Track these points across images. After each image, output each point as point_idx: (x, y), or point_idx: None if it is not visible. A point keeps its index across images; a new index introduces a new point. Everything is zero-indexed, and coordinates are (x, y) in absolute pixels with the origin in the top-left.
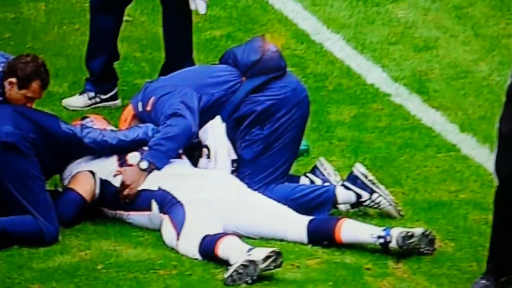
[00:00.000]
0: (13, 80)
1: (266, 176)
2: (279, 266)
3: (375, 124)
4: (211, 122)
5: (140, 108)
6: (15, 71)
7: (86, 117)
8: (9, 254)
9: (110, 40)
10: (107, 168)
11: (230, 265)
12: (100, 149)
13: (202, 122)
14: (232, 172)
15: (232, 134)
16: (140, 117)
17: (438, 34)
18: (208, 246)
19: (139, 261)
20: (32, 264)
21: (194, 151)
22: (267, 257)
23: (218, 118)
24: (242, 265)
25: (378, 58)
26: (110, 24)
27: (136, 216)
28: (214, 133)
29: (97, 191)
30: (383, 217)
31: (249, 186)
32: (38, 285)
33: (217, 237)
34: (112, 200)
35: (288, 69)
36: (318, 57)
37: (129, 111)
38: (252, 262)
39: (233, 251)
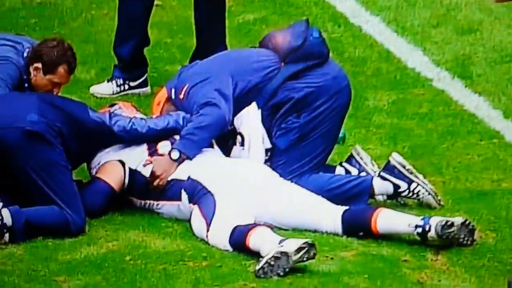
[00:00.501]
0: (39, 65)
1: (300, 166)
2: (313, 257)
3: (416, 110)
4: (246, 109)
5: (173, 95)
6: (40, 56)
7: (115, 104)
8: (34, 245)
9: (139, 25)
10: (136, 157)
11: (262, 256)
12: (130, 138)
13: (238, 108)
14: (266, 161)
15: (268, 122)
16: (174, 105)
17: (482, 16)
18: (238, 237)
19: (168, 252)
20: (58, 256)
21: (228, 138)
22: (300, 249)
23: (254, 105)
24: (274, 256)
25: (419, 42)
26: (140, 8)
27: (165, 206)
28: (249, 120)
29: (126, 180)
30: (422, 207)
31: (282, 176)
32: (63, 277)
33: (248, 228)
34: (142, 190)
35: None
36: (356, 40)
37: (163, 94)
38: (284, 253)
39: (264, 242)
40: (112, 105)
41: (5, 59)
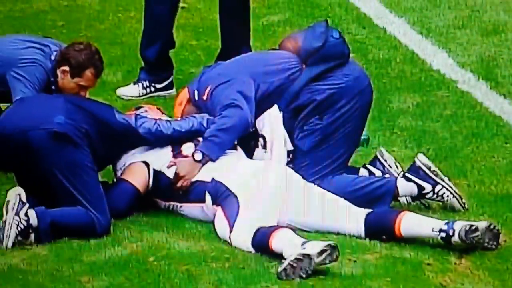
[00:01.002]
0: (66, 68)
1: (323, 168)
2: (335, 260)
3: (440, 113)
4: (268, 111)
5: (196, 97)
6: (68, 59)
7: (141, 107)
8: (59, 246)
9: (165, 28)
10: (161, 159)
11: (284, 258)
12: (155, 140)
13: (260, 111)
14: (288, 163)
15: (289, 124)
16: (196, 106)
17: (506, 17)
18: (261, 239)
19: (192, 253)
20: (82, 257)
21: (250, 141)
22: (323, 251)
23: (275, 107)
24: (296, 259)
25: (444, 43)
26: (165, 11)
27: (189, 208)
28: (271, 122)
29: (151, 182)
30: (446, 210)
31: (305, 178)
32: (88, 278)
33: (270, 230)
34: (166, 191)
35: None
36: (381, 42)
37: (184, 94)
38: (306, 256)
39: (287, 244)
40: (138, 108)
41: (32, 62)
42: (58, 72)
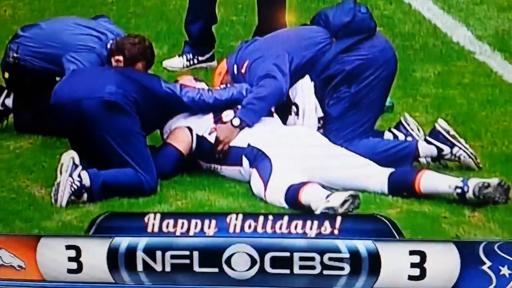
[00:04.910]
0: (120, 58)
1: (351, 132)
2: (357, 207)
3: (459, 81)
4: (300, 81)
5: (235, 71)
6: (122, 50)
7: (176, 81)
8: (110, 204)
9: (208, 5)
10: (203, 124)
11: (313, 211)
12: (198, 107)
13: (293, 81)
14: (319, 128)
15: (321, 93)
16: (235, 79)
17: None
18: (292, 195)
19: (231, 209)
20: None
21: (283, 108)
22: (345, 201)
23: (307, 77)
24: (321, 213)
25: (463, 18)
26: None
27: (227, 170)
28: (303, 91)
29: (194, 146)
30: (462, 169)
31: (334, 141)
32: None
33: (299, 185)
34: (207, 155)
35: (378, 28)
36: (406, 16)
37: (223, 66)
38: (330, 208)
39: (313, 197)
40: (175, 82)
41: (89, 49)
42: (112, 60)
